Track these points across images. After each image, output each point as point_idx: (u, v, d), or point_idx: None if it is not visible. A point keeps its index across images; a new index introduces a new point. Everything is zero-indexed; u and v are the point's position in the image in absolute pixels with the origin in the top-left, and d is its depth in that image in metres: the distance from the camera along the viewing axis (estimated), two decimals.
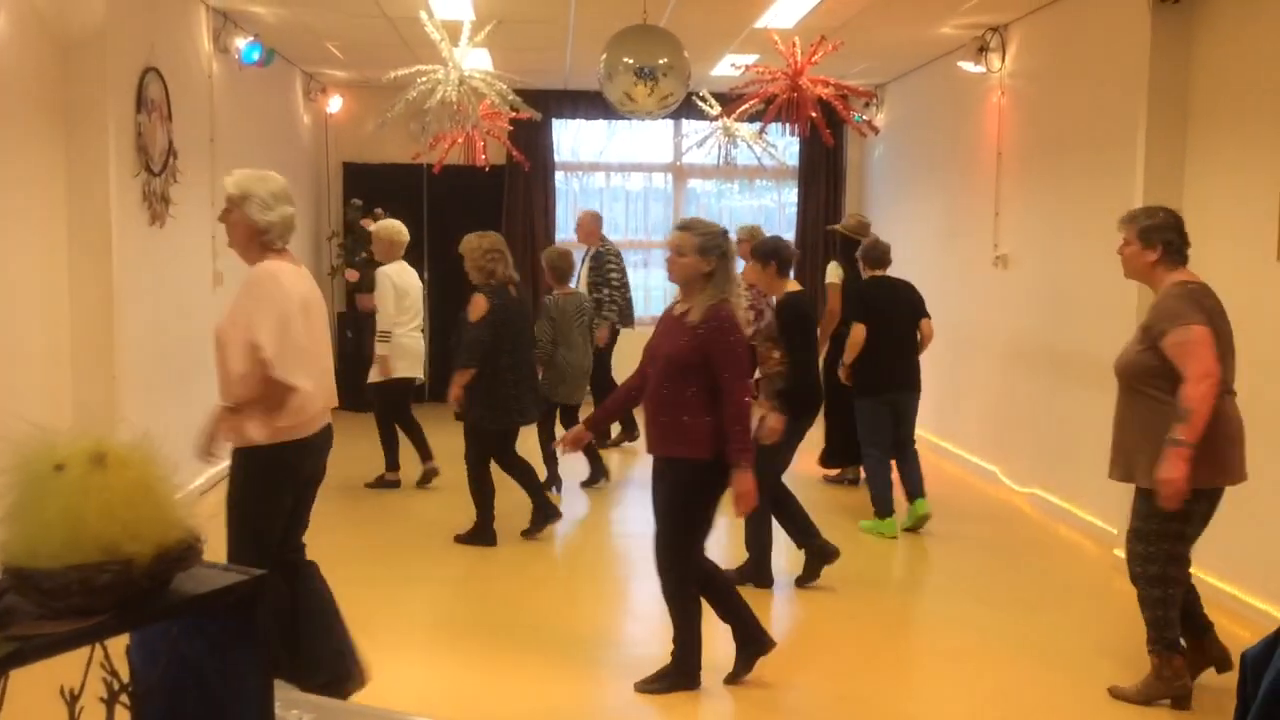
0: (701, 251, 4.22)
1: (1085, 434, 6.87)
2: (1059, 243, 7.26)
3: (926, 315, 7.01)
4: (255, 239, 3.97)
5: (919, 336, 6.95)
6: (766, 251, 5.74)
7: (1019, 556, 6.46)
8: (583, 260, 8.86)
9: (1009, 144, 8.07)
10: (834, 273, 7.73)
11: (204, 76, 7.49)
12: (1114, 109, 6.42)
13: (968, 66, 8.41)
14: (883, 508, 6.67)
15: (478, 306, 6.31)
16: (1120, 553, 6.09)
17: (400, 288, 7.52)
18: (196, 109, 7.33)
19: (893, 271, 7.13)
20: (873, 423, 6.74)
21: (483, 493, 6.44)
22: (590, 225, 9.15)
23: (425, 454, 7.71)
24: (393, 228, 7.68)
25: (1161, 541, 4.21)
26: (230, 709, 1.84)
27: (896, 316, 6.82)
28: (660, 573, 4.38)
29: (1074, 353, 7.04)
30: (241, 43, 7.84)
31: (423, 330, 7.84)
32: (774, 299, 5.82)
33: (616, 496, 7.79)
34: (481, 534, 6.42)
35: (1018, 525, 7.09)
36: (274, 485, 3.98)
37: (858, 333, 6.68)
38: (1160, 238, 4.20)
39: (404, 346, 7.53)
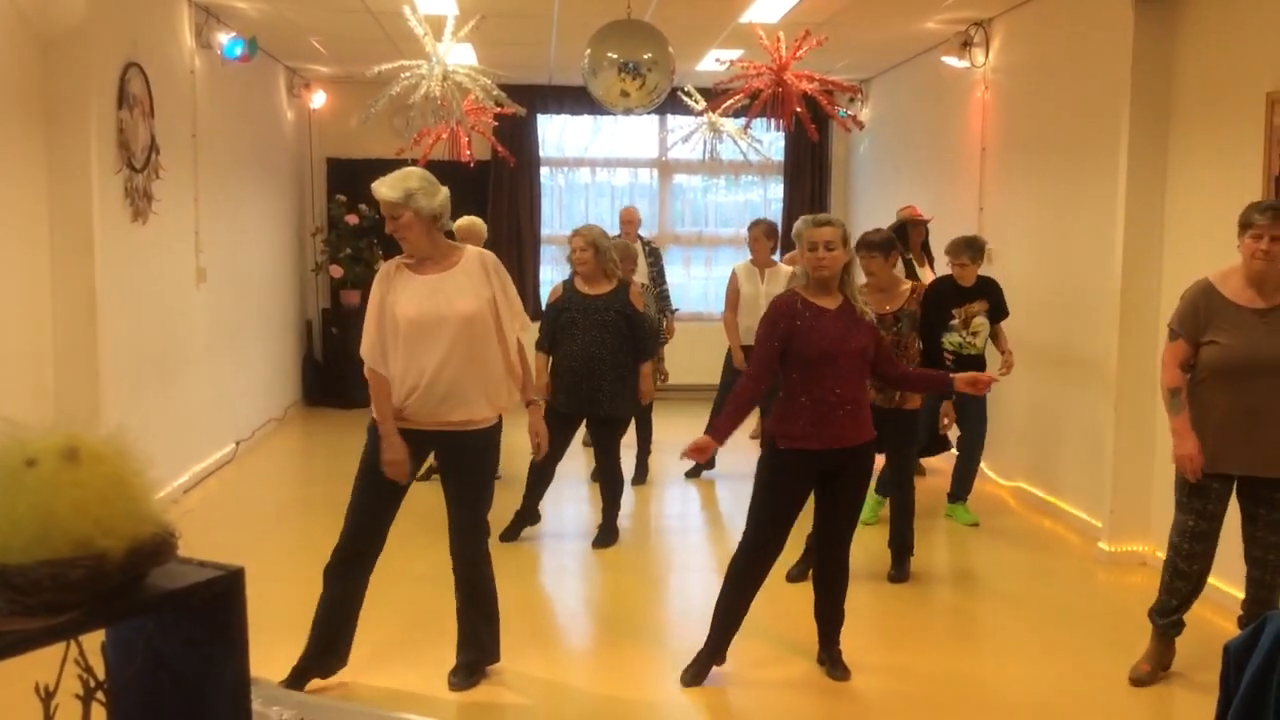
0: (846, 242, 4.35)
1: (1070, 428, 6.89)
2: (1043, 237, 7.28)
3: None
4: (432, 229, 4.11)
5: None
6: (889, 243, 5.72)
7: (1003, 549, 6.48)
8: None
9: (993, 139, 8.08)
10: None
11: (186, 72, 7.46)
12: (1097, 104, 6.44)
13: (952, 61, 8.42)
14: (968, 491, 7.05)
15: (640, 297, 6.39)
16: (1106, 545, 6.13)
17: None
18: (179, 105, 7.29)
19: None
20: None
21: (620, 485, 6.51)
22: (636, 220, 9.10)
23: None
24: (474, 223, 7.58)
25: None
26: (207, 705, 1.83)
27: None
28: (847, 559, 4.58)
29: (1058, 346, 7.06)
30: (224, 38, 7.81)
31: None
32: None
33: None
34: (610, 532, 6.46)
35: (1003, 518, 7.10)
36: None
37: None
38: None
39: None
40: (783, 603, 5.25)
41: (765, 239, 7.68)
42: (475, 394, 4.13)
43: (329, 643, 4.28)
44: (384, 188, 4.07)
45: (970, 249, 6.68)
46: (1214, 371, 4.26)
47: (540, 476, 6.47)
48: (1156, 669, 4.50)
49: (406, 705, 4.19)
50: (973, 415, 6.77)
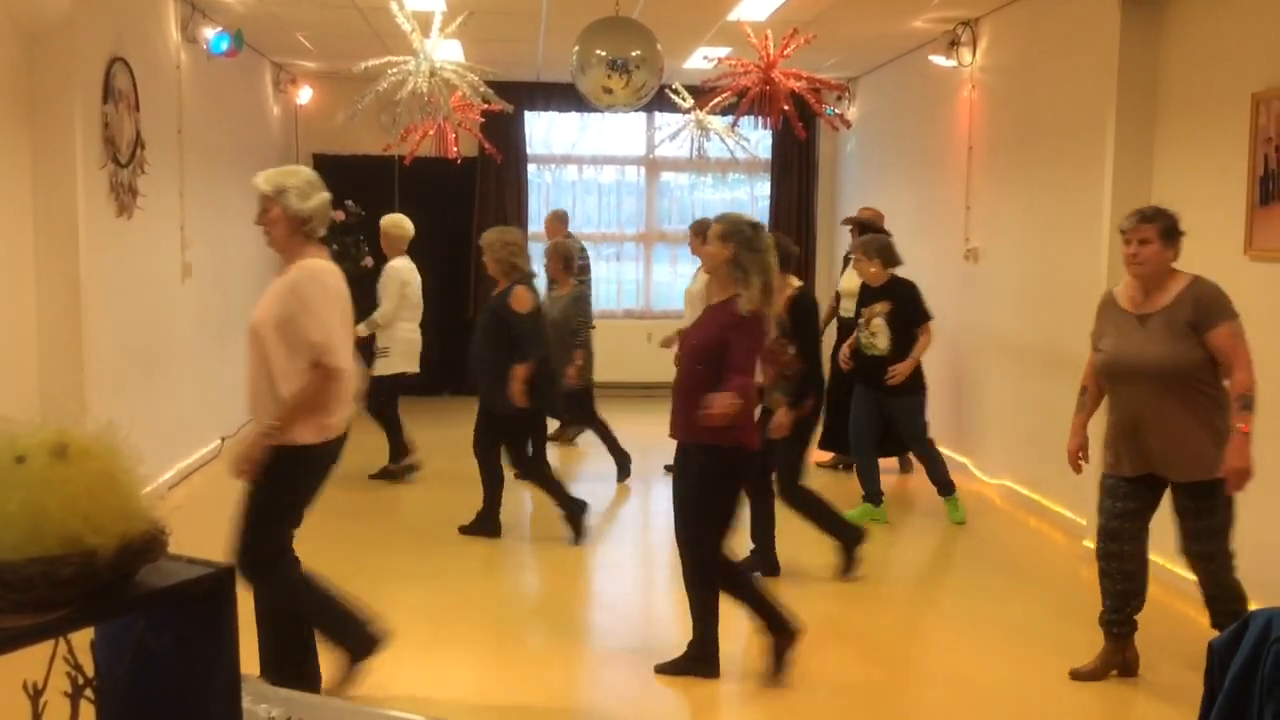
0: (722, 238, 4.35)
1: (1055, 426, 6.91)
2: (1029, 236, 7.30)
3: None
4: (298, 231, 3.97)
5: None
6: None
7: (988, 547, 6.50)
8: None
9: (980, 138, 8.11)
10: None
11: (172, 67, 7.42)
12: (1084, 103, 6.46)
13: (939, 60, 8.44)
14: (950, 488, 6.91)
15: (522, 299, 6.32)
16: (1090, 544, 6.14)
17: (412, 281, 7.64)
18: (164, 100, 7.26)
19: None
20: (924, 415, 6.87)
21: (491, 480, 6.49)
22: (551, 224, 9.32)
23: (405, 450, 7.77)
24: (392, 220, 7.74)
25: (1231, 529, 4.28)
26: (197, 703, 1.82)
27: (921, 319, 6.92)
28: (686, 556, 4.49)
29: (1044, 345, 7.08)
30: (210, 33, 7.77)
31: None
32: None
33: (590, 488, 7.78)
34: (486, 524, 6.47)
35: (988, 516, 7.13)
36: (309, 484, 4.03)
37: (931, 333, 6.73)
38: (1178, 237, 4.24)
39: (406, 341, 7.60)
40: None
41: (694, 237, 7.71)
42: (260, 410, 3.91)
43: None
44: (260, 178, 4.00)
45: (864, 247, 6.76)
46: (1102, 377, 4.42)
47: (488, 472, 6.53)
48: (1101, 668, 4.50)
49: (412, 700, 4.19)
50: (899, 419, 6.82)
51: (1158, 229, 4.21)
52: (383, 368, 7.56)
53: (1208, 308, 4.15)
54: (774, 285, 4.41)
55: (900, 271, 6.87)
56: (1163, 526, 4.40)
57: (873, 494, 6.86)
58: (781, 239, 5.79)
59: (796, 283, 5.69)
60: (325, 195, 4.03)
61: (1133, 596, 4.45)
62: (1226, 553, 4.29)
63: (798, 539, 5.87)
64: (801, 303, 5.54)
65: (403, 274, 7.59)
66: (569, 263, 7.73)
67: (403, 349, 7.64)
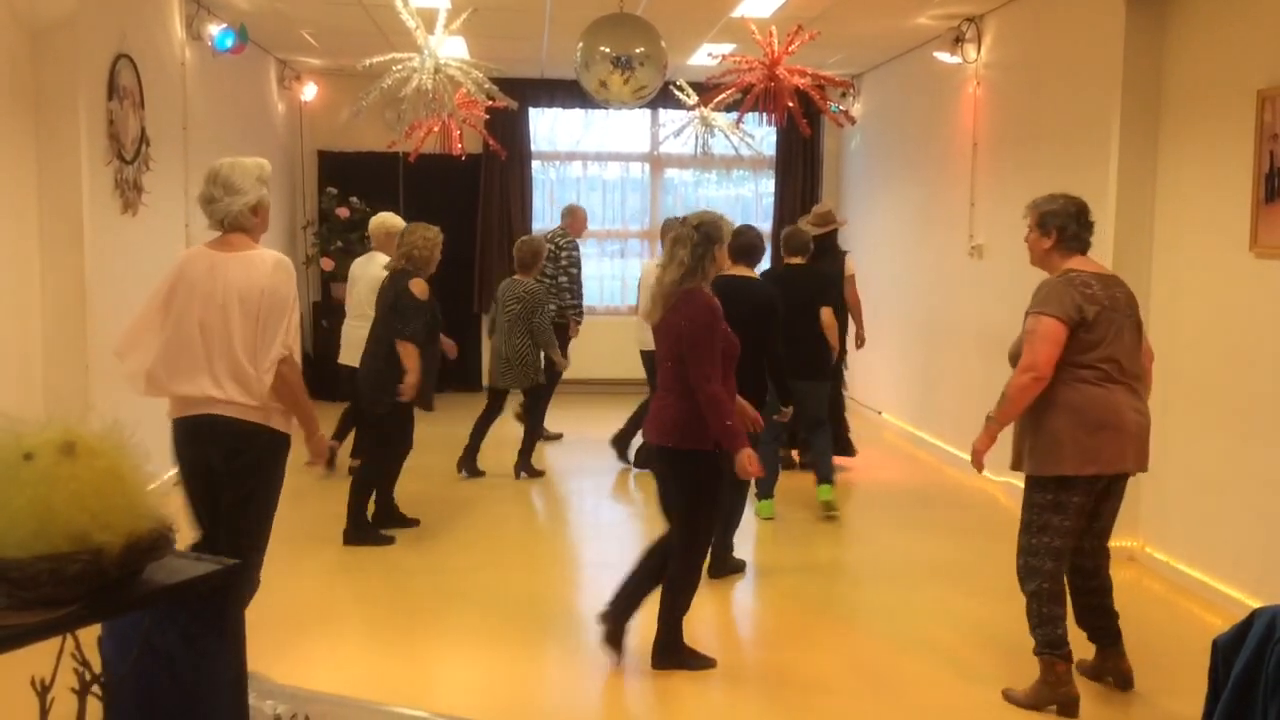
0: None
1: None
2: None
3: (827, 304, 6.97)
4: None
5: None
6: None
7: (993, 545, 6.48)
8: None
9: (985, 135, 8.09)
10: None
11: (177, 63, 7.43)
12: (1089, 100, 6.45)
13: (944, 57, 8.42)
14: (765, 490, 6.75)
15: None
16: None
17: (352, 277, 7.66)
18: (169, 96, 7.26)
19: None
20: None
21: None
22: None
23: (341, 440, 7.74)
24: (373, 219, 7.78)
25: (1039, 533, 4.12)
26: (203, 699, 1.83)
27: (791, 306, 6.73)
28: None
29: None
30: (215, 29, 7.77)
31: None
32: None
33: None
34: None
35: (992, 513, 7.12)
36: (177, 456, 4.32)
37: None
38: (1055, 223, 4.15)
39: (344, 333, 7.63)
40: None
41: (663, 237, 7.66)
42: None
43: None
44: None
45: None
46: None
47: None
48: (1096, 668, 4.44)
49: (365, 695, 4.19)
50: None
51: (1034, 217, 4.19)
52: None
53: (1032, 299, 4.13)
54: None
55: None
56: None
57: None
58: (737, 229, 5.73)
59: (738, 271, 5.68)
60: (204, 191, 4.26)
61: (1075, 608, 4.36)
62: (1023, 550, 4.18)
63: (797, 537, 5.88)
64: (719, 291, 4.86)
65: (350, 271, 7.74)
66: (516, 260, 7.82)
67: (342, 341, 7.63)
